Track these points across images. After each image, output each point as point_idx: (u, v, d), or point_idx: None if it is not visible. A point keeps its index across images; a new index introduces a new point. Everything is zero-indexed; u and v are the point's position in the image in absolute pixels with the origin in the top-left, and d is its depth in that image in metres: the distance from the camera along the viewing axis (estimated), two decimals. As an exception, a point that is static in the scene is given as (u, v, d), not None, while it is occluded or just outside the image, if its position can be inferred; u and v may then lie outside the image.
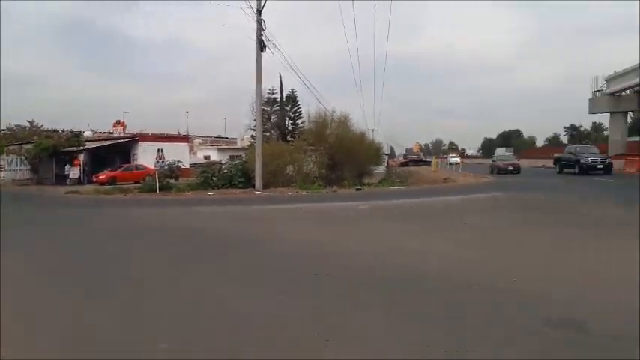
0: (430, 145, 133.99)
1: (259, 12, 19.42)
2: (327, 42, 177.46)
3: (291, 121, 39.41)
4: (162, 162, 30.58)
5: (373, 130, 48.07)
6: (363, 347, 3.40)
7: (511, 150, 65.29)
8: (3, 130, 36.00)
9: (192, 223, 10.89)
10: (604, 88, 37.81)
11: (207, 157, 45.76)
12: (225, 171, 22.80)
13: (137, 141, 33.50)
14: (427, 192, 18.67)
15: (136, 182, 25.04)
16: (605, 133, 65.61)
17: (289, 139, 32.53)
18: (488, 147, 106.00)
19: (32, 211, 14.89)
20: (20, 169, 32.11)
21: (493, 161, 35.09)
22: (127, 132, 41.81)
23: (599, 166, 25.86)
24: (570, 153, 28.68)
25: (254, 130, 24.27)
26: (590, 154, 27.08)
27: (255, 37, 19.52)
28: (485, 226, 9.27)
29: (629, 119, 44.50)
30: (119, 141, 34.80)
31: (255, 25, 19.46)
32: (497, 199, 14.45)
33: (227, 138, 62.28)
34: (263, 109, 32.78)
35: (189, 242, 8.03)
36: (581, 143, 44.26)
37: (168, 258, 6.69)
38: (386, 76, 77.73)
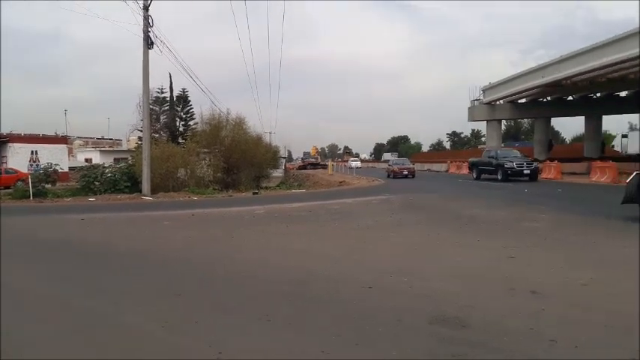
0: (326, 149, 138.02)
1: (146, 8, 18.80)
2: (225, 44, 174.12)
3: (182, 122, 37.87)
4: (37, 165, 27.97)
5: (270, 133, 48.21)
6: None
7: (396, 154, 69.94)
8: None
9: (57, 234, 9.59)
10: (481, 98, 42.07)
11: (88, 160, 42.02)
12: (110, 175, 21.20)
13: (7, 142, 30.42)
14: (325, 195, 18.98)
15: (5, 187, 22.34)
16: (482, 139, 72.83)
17: (181, 140, 31.20)
18: (379, 151, 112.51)
19: None
20: None
21: (389, 165, 34.61)
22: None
23: (525, 172, 22.96)
24: (491, 157, 25.28)
25: (141, 130, 22.72)
26: (514, 158, 24.06)
27: (142, 34, 18.80)
28: (379, 227, 9.55)
29: (503, 126, 50.41)
30: (-17, 142, 30.87)
31: (142, 22, 18.71)
32: (390, 202, 15.10)
33: (111, 139, 58.97)
34: (152, 109, 30.96)
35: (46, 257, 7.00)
36: (463, 148, 48.36)
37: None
38: (283, 80, 78.65)
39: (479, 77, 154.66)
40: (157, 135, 32.32)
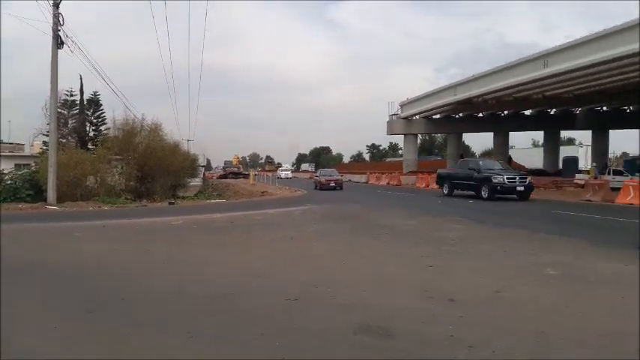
0: (247, 158, 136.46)
1: (57, 5, 17.51)
2: (144, 47, 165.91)
3: (93, 127, 35.37)
4: None
5: (188, 141, 46.54)
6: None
7: (313, 165, 71.15)
8: None
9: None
10: (399, 113, 44.10)
11: (-17, 166, 37.43)
12: (10, 182, 19.06)
13: None
14: (246, 205, 18.60)
15: None
16: (400, 151, 76.33)
17: (90, 146, 29.05)
18: (300, 161, 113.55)
19: None
20: None
21: (317, 177, 32.89)
22: None
23: (519, 188, 18.54)
24: (472, 169, 20.64)
25: (47, 134, 20.73)
26: (502, 171, 19.82)
27: (51, 32, 17.44)
28: (302, 237, 9.50)
29: (419, 140, 53.33)
30: None
31: (51, 19, 17.38)
32: (313, 212, 15.17)
33: (12, 143, 53.39)
34: (60, 112, 28.47)
35: None
36: (382, 160, 50.28)
37: None
38: (204, 87, 76.40)
39: (397, 92, 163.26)
40: (65, 140, 29.87)
